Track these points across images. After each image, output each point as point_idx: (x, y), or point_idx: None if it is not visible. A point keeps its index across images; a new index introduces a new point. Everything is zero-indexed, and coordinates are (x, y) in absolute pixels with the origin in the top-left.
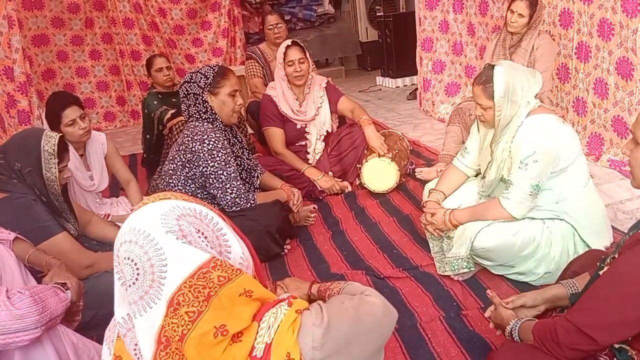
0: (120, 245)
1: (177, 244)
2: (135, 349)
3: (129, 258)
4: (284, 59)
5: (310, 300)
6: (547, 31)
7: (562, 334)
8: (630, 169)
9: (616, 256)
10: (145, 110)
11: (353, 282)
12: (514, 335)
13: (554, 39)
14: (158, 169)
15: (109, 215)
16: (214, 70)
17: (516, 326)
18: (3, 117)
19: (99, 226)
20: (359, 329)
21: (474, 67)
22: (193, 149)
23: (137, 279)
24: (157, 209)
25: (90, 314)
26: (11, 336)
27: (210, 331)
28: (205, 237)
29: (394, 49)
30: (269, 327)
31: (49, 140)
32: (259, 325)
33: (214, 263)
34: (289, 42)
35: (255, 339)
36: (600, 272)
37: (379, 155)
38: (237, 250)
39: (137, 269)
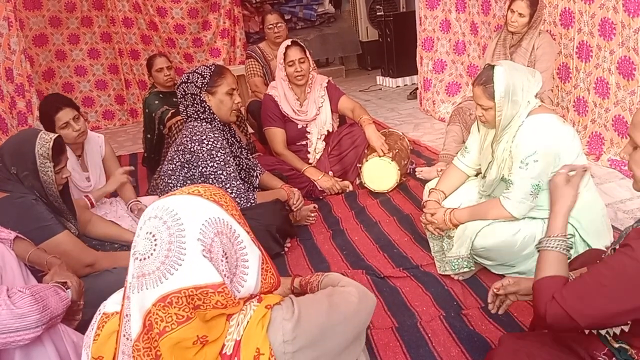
0: (154, 218)
1: (199, 256)
2: (126, 318)
3: (151, 233)
4: (285, 59)
5: (295, 294)
6: (547, 31)
7: (550, 315)
8: (632, 172)
9: (617, 247)
10: (146, 110)
11: (332, 273)
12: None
13: (554, 39)
14: (158, 169)
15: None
16: (210, 69)
17: (545, 247)
18: (5, 118)
19: (98, 225)
20: (333, 320)
21: (477, 66)
22: (192, 149)
23: (148, 257)
24: (206, 211)
25: (91, 313)
26: (12, 335)
27: (192, 338)
28: (227, 262)
29: (394, 49)
30: (238, 324)
31: (44, 144)
32: (228, 323)
33: (221, 289)
34: (289, 42)
35: (225, 336)
36: None
37: (379, 155)
38: (251, 284)
39: (154, 249)
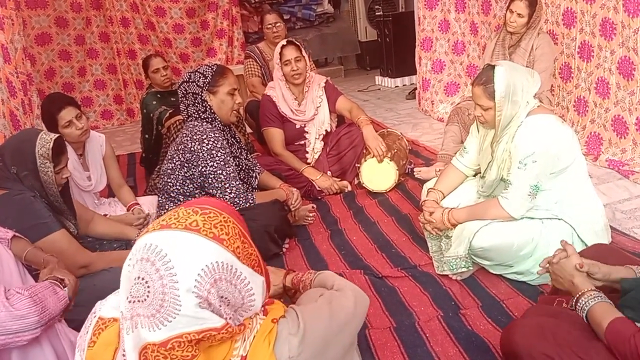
0: (146, 261)
1: (195, 308)
2: (123, 352)
3: (143, 279)
4: (281, 59)
5: (285, 288)
6: (550, 31)
7: None
8: None
9: None
10: (144, 110)
11: (324, 271)
12: (581, 312)
13: (556, 39)
14: (156, 169)
15: (106, 215)
16: (212, 69)
17: (587, 305)
18: (17, 114)
19: (100, 224)
20: (334, 328)
21: (476, 66)
22: (192, 148)
23: (142, 301)
24: (203, 257)
25: (88, 312)
26: (11, 336)
27: None
28: (229, 304)
29: (393, 49)
30: (245, 340)
31: (44, 145)
32: (234, 340)
33: (225, 330)
34: (284, 41)
35: (232, 354)
36: None
37: None
38: (257, 307)
39: (147, 295)
